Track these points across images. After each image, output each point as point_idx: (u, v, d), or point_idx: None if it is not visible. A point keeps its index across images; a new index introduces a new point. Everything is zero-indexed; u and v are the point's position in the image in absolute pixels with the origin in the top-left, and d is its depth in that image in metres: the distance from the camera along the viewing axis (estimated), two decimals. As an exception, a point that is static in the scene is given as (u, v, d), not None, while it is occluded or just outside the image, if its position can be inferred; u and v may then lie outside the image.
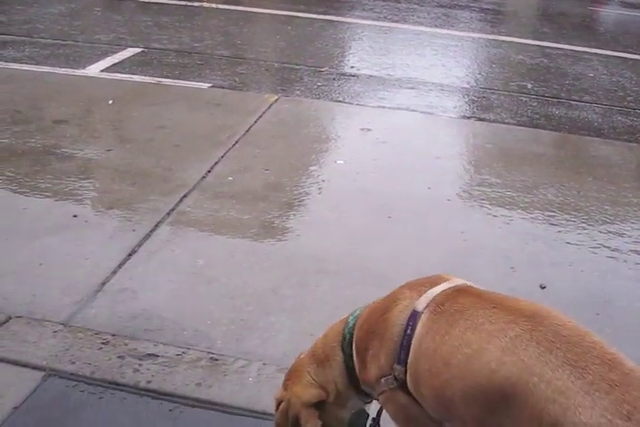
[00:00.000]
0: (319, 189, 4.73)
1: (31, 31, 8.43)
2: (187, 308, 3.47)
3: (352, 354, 2.22)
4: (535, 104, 7.10)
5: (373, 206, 4.54)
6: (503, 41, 9.95)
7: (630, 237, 4.40)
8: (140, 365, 3.00)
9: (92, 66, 7.17)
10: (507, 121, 6.40)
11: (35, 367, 2.95)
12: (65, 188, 4.51)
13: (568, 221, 4.53)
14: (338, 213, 4.44)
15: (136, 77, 6.85)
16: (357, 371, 2.21)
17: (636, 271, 4.03)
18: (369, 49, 8.95)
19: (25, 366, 2.96)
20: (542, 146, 5.81)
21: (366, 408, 2.38)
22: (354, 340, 2.21)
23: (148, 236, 4.03)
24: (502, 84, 7.61)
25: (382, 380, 2.09)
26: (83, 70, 6.99)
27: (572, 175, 5.27)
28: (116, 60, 7.42)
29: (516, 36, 10.37)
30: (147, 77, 6.87)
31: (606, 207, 4.77)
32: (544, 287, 3.79)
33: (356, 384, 2.25)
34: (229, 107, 5.99)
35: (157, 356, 3.06)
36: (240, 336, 3.29)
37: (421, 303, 2.05)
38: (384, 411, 2.26)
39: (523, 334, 1.83)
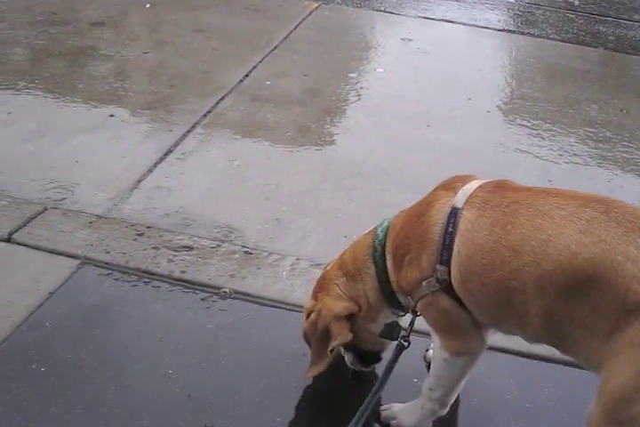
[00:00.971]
0: (358, 95, 4.66)
1: None
2: (221, 207, 3.47)
3: (385, 266, 2.18)
4: (582, 21, 6.87)
5: (412, 115, 4.47)
6: (552, -43, 9.60)
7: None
8: (174, 256, 3.02)
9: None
10: (551, 37, 6.19)
11: (70, 256, 3.00)
12: (101, 88, 4.48)
13: (610, 138, 4.43)
14: (376, 120, 4.38)
15: (174, -19, 6.71)
16: (394, 280, 2.17)
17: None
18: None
19: (60, 254, 3.01)
20: (587, 63, 5.64)
21: (398, 321, 2.36)
22: (388, 250, 2.17)
23: (184, 136, 4.01)
24: (548, 0, 7.37)
25: (424, 283, 2.05)
26: (121, -27, 6.85)
27: (615, 93, 5.13)
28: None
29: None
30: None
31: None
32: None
33: (388, 297, 2.23)
34: (269, 12, 5.87)
35: (192, 248, 3.08)
36: (274, 235, 3.29)
37: (459, 200, 2.01)
38: (415, 324, 2.23)
39: (599, 216, 1.79)
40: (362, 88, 4.77)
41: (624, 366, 1.69)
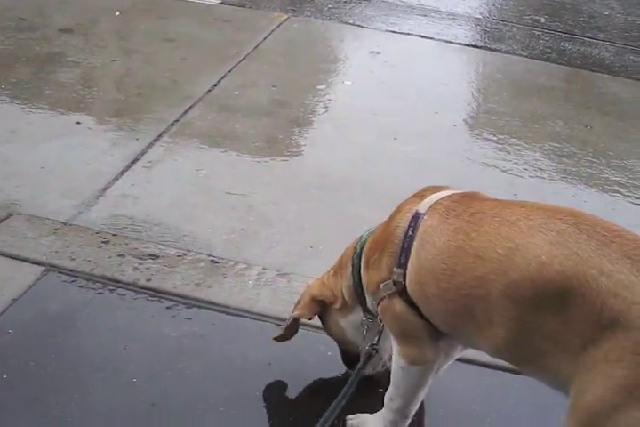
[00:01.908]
0: (325, 107, 4.68)
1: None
2: (188, 215, 3.47)
3: (360, 266, 2.22)
4: (548, 38, 6.96)
5: (379, 127, 4.49)
6: (519, -25, 9.73)
7: (636, 172, 4.36)
8: (140, 264, 3.01)
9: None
10: (518, 53, 6.27)
11: (34, 262, 2.97)
12: (69, 95, 4.45)
13: (575, 153, 4.49)
14: (343, 132, 4.40)
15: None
16: (364, 281, 2.20)
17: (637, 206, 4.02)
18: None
19: (25, 260, 2.98)
20: (552, 79, 5.72)
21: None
22: (364, 251, 2.21)
23: (151, 145, 4.00)
24: (516, 17, 7.45)
25: (381, 285, 2.07)
26: (90, -20, 6.82)
27: (580, 109, 5.20)
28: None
29: (532, -29, 10.13)
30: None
31: (613, 142, 4.72)
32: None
33: (360, 298, 2.26)
34: (238, 24, 5.87)
35: (158, 256, 3.07)
36: (240, 244, 3.30)
37: (424, 206, 2.03)
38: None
39: (569, 228, 1.76)
40: (329, 100, 4.79)
41: (599, 382, 1.65)
